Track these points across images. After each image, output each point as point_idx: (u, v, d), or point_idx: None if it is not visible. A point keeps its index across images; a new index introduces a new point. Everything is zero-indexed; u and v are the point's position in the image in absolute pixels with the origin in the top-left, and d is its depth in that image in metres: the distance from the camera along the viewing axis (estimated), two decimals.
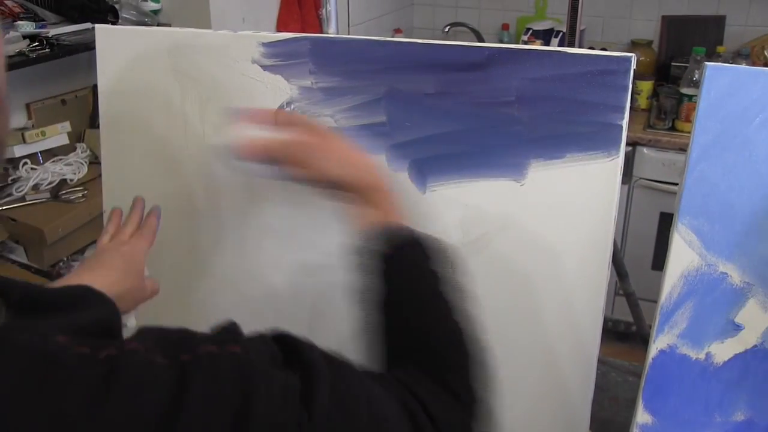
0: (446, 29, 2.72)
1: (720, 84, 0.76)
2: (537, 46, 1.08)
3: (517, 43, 2.75)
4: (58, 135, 1.69)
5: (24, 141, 1.62)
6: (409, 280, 0.65)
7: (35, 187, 1.61)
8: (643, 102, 2.47)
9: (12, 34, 1.55)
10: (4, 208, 1.55)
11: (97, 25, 0.99)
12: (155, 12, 1.94)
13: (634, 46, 2.65)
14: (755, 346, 0.81)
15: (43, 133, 1.65)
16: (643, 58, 2.57)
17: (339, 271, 0.95)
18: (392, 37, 2.66)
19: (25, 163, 1.63)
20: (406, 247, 0.67)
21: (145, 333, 0.47)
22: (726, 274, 0.80)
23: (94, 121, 1.83)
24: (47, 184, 1.63)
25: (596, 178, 0.81)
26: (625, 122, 0.79)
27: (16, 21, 1.62)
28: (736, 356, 0.82)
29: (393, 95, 0.87)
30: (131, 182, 0.98)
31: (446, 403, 0.56)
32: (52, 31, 1.61)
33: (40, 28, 1.63)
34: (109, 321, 0.60)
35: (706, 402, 0.84)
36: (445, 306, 0.64)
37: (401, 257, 0.66)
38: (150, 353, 0.43)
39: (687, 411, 0.84)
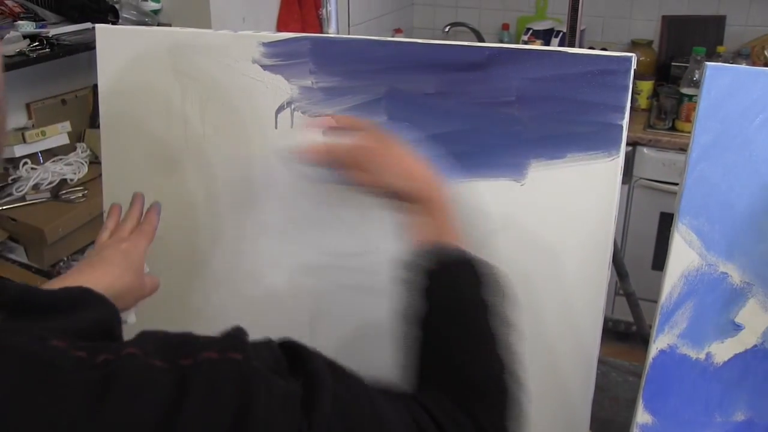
0: (446, 29, 2.72)
1: (720, 84, 0.76)
2: (537, 46, 1.08)
3: (518, 43, 2.75)
4: (58, 135, 1.69)
5: (24, 141, 1.62)
6: (452, 302, 0.63)
7: (35, 187, 1.61)
8: (643, 102, 2.47)
9: (12, 33, 1.55)
10: (4, 207, 1.55)
11: (97, 25, 0.99)
12: (155, 12, 1.94)
13: (634, 46, 2.65)
14: (755, 346, 0.81)
15: (44, 133, 1.65)
16: (643, 58, 2.57)
17: (340, 271, 0.95)
18: (392, 37, 2.66)
19: (26, 163, 1.63)
20: (452, 267, 0.65)
21: (145, 337, 0.47)
22: (726, 274, 0.80)
23: (94, 121, 1.83)
24: (47, 184, 1.63)
25: (596, 178, 0.81)
26: (625, 122, 0.79)
27: (16, 21, 1.62)
28: (737, 356, 0.82)
29: (393, 95, 0.87)
30: (131, 182, 0.98)
31: None
32: (53, 31, 1.61)
33: (41, 27, 1.63)
34: (109, 323, 0.60)
35: (707, 402, 0.84)
36: (489, 336, 0.62)
37: (446, 276, 0.64)
38: (149, 357, 0.43)
39: (687, 411, 0.84)
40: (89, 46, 1.61)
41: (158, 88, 0.96)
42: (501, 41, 2.82)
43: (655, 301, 0.82)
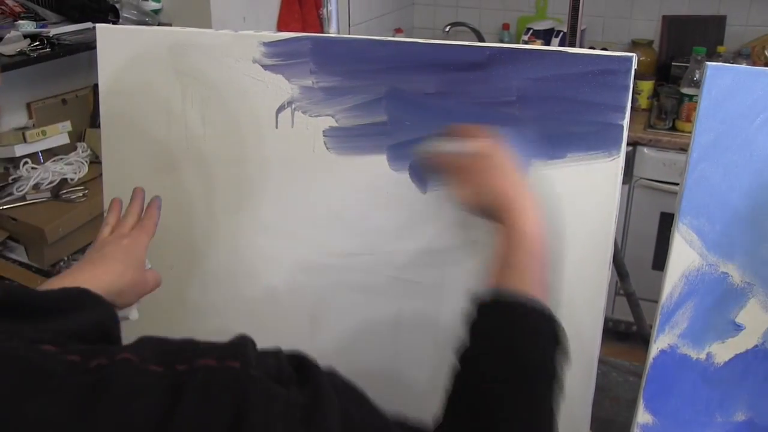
0: (447, 29, 2.72)
1: (721, 84, 0.76)
2: (538, 46, 1.08)
3: (518, 42, 2.75)
4: (58, 134, 1.69)
5: (25, 140, 1.62)
6: (493, 342, 0.60)
7: (36, 187, 1.61)
8: (643, 102, 2.47)
9: (13, 33, 1.55)
10: (4, 207, 1.55)
11: (98, 25, 0.99)
12: (156, 11, 1.94)
13: (634, 45, 2.65)
14: (756, 346, 0.81)
15: (44, 133, 1.65)
16: (643, 58, 2.58)
17: (340, 271, 0.95)
18: (393, 36, 2.66)
19: (26, 163, 1.63)
20: (506, 308, 0.61)
21: (143, 342, 0.46)
22: (727, 274, 0.80)
23: (94, 121, 1.83)
24: (48, 184, 1.63)
25: (597, 177, 0.81)
26: (626, 122, 0.79)
27: (16, 20, 1.62)
28: (737, 356, 0.82)
29: (394, 95, 0.87)
30: (132, 181, 0.97)
31: None
32: (53, 31, 1.61)
33: (41, 27, 1.63)
34: (106, 324, 0.60)
35: (707, 402, 0.84)
36: (533, 390, 0.58)
37: (495, 314, 0.61)
38: (144, 363, 0.43)
39: (687, 411, 0.84)
40: (90, 46, 1.61)
41: (159, 87, 0.97)
42: (501, 41, 2.82)
43: (656, 301, 0.82)
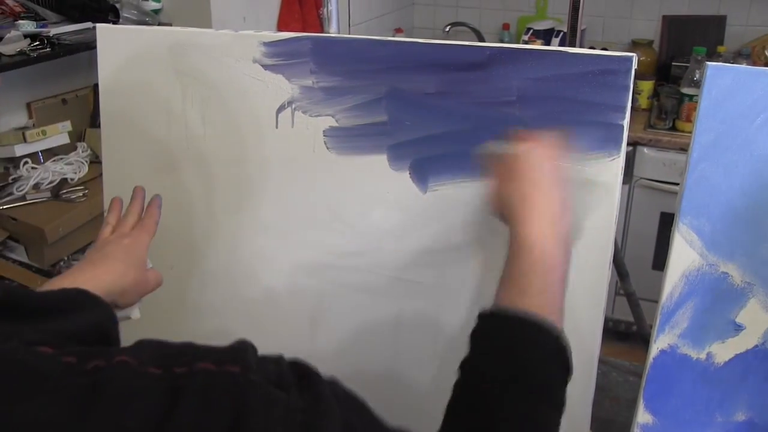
0: (447, 29, 2.72)
1: (721, 84, 0.76)
2: (538, 46, 1.08)
3: (518, 42, 2.75)
4: (58, 134, 1.69)
5: (25, 140, 1.62)
6: (491, 351, 0.59)
7: (36, 187, 1.61)
8: (643, 102, 2.47)
9: (13, 33, 1.55)
10: (4, 207, 1.55)
11: (98, 25, 0.99)
12: (156, 11, 1.94)
13: (634, 45, 2.65)
14: (756, 346, 0.81)
15: (44, 133, 1.65)
16: (643, 58, 2.57)
17: (340, 271, 0.95)
18: (393, 36, 2.66)
19: (26, 163, 1.63)
20: (506, 318, 0.60)
21: (142, 345, 0.46)
22: (727, 274, 0.80)
23: (94, 121, 1.83)
24: (48, 184, 1.63)
25: (597, 177, 0.81)
26: (626, 122, 0.79)
27: (17, 20, 1.62)
28: (737, 356, 0.82)
29: (394, 95, 0.87)
30: (132, 181, 0.97)
31: None
32: (53, 31, 1.61)
33: (41, 27, 1.63)
34: (104, 325, 0.59)
35: (707, 402, 0.84)
36: (529, 397, 0.57)
37: (496, 323, 0.61)
38: (142, 365, 0.42)
39: (688, 411, 0.84)
40: (90, 46, 1.61)
41: (159, 87, 0.97)
42: (501, 41, 2.82)
43: (656, 301, 0.82)
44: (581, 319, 0.85)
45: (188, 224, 1.00)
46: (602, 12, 2.75)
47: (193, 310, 1.03)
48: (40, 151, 1.67)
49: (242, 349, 0.46)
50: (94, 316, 0.59)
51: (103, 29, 0.99)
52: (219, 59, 0.93)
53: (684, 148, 2.16)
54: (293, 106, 0.91)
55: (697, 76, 2.26)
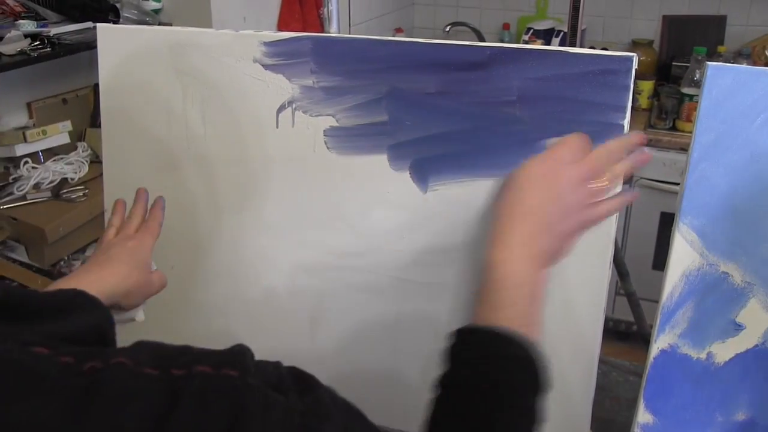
0: (447, 29, 2.72)
1: (721, 84, 0.76)
2: (538, 46, 1.08)
3: (518, 42, 2.75)
4: (59, 134, 1.69)
5: (25, 140, 1.62)
6: (469, 366, 0.59)
7: (36, 186, 1.61)
8: (644, 102, 2.47)
9: (13, 33, 1.55)
10: (5, 207, 1.55)
11: (98, 24, 0.99)
12: (156, 11, 1.94)
13: (635, 45, 2.65)
14: (756, 345, 0.81)
15: (44, 132, 1.65)
16: (644, 58, 2.58)
17: (340, 271, 0.95)
18: (393, 36, 2.66)
19: (26, 162, 1.63)
20: (481, 333, 0.60)
21: (140, 346, 0.46)
22: (727, 273, 0.80)
23: (95, 120, 1.83)
24: (48, 183, 1.63)
25: None
26: (626, 122, 0.79)
27: (17, 20, 1.62)
28: (738, 356, 0.82)
29: (394, 94, 0.87)
30: (132, 181, 0.98)
31: None
32: (54, 30, 1.61)
33: (42, 27, 1.63)
34: (102, 327, 0.59)
35: (708, 402, 0.84)
36: (504, 408, 0.57)
37: (471, 337, 0.61)
38: (139, 366, 0.42)
39: (688, 411, 0.84)
40: (90, 46, 1.61)
41: (159, 87, 0.97)
42: (502, 41, 2.82)
43: (656, 301, 0.82)
44: (581, 319, 0.85)
45: (189, 224, 1.00)
46: (602, 12, 2.75)
47: (194, 309, 1.03)
48: (41, 151, 1.67)
49: (240, 353, 0.46)
50: (92, 317, 0.59)
51: (103, 29, 0.99)
52: (219, 59, 0.93)
53: (684, 148, 2.17)
54: (294, 105, 0.91)
55: (698, 76, 2.27)
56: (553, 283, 0.86)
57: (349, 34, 2.19)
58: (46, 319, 0.52)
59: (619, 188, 0.75)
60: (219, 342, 0.48)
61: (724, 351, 0.82)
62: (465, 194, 0.86)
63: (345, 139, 0.90)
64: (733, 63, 1.70)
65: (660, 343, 0.83)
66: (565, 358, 0.87)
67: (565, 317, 0.86)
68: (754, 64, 2.41)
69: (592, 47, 2.19)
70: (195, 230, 1.00)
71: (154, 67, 0.96)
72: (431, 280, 0.90)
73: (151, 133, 0.99)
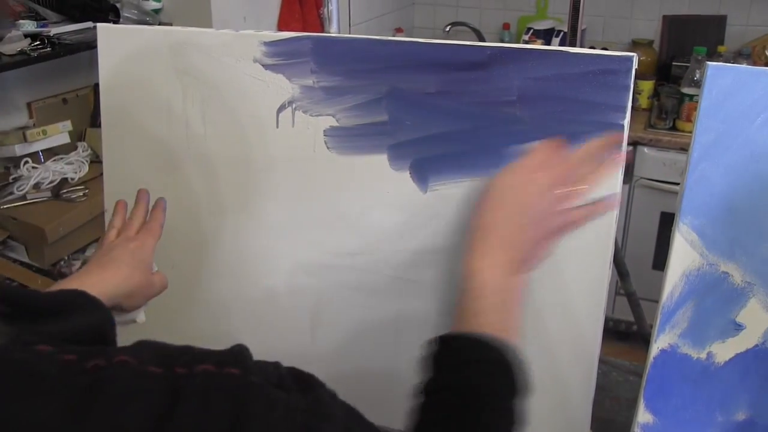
0: (447, 29, 2.72)
1: (721, 84, 0.76)
2: (538, 46, 1.08)
3: (518, 42, 2.75)
4: (59, 134, 1.69)
5: (25, 140, 1.62)
6: (452, 372, 0.61)
7: (36, 186, 1.61)
8: (644, 102, 2.47)
9: (13, 32, 1.55)
10: (5, 206, 1.55)
11: (98, 24, 0.99)
12: (156, 11, 1.94)
13: (635, 45, 2.65)
14: (756, 345, 0.81)
15: (45, 132, 1.65)
16: (644, 58, 2.58)
17: (340, 271, 0.95)
18: (393, 36, 2.66)
19: (26, 162, 1.63)
20: (464, 340, 0.62)
21: (142, 345, 0.46)
22: (727, 273, 0.80)
23: (95, 120, 1.83)
24: (48, 183, 1.63)
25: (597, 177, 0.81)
26: (626, 122, 0.79)
27: (17, 20, 1.62)
28: (738, 356, 0.82)
29: (394, 94, 0.87)
30: (132, 181, 0.98)
31: None
32: (54, 30, 1.61)
33: (42, 27, 1.63)
34: (103, 327, 0.60)
35: (708, 401, 0.84)
36: (483, 411, 0.59)
37: (454, 344, 0.63)
38: (142, 365, 0.42)
39: (688, 410, 0.84)
40: (90, 45, 1.61)
41: (159, 87, 0.97)
42: (502, 41, 2.83)
43: (656, 301, 0.82)
44: (582, 319, 0.85)
45: (189, 223, 1.00)
46: (602, 12, 2.75)
47: (194, 309, 1.03)
48: (41, 151, 1.67)
49: (241, 353, 0.47)
50: (93, 318, 0.59)
51: (103, 29, 0.99)
52: (219, 59, 0.93)
53: (684, 148, 2.17)
54: (294, 105, 0.91)
55: (698, 75, 2.27)
56: (553, 283, 0.86)
57: (349, 34, 2.19)
58: (48, 319, 0.52)
59: (606, 191, 0.77)
60: (219, 342, 0.48)
61: (724, 351, 0.82)
62: (465, 194, 0.86)
63: (345, 139, 0.90)
64: (733, 63, 1.70)
65: (660, 343, 0.83)
66: (565, 358, 0.87)
67: (565, 317, 0.86)
68: (754, 64, 2.42)
69: (592, 47, 2.19)
70: (195, 229, 1.00)
71: (155, 66, 0.96)
72: (431, 280, 0.90)
73: (151, 133, 0.99)
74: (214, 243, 1.00)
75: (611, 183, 0.78)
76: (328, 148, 0.91)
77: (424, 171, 0.88)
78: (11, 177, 1.62)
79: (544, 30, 2.69)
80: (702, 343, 0.82)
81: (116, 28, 1.01)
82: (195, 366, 0.43)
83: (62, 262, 1.58)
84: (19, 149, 1.62)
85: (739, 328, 0.81)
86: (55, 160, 1.68)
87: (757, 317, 0.80)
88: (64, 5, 1.69)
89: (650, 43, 2.64)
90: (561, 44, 2.49)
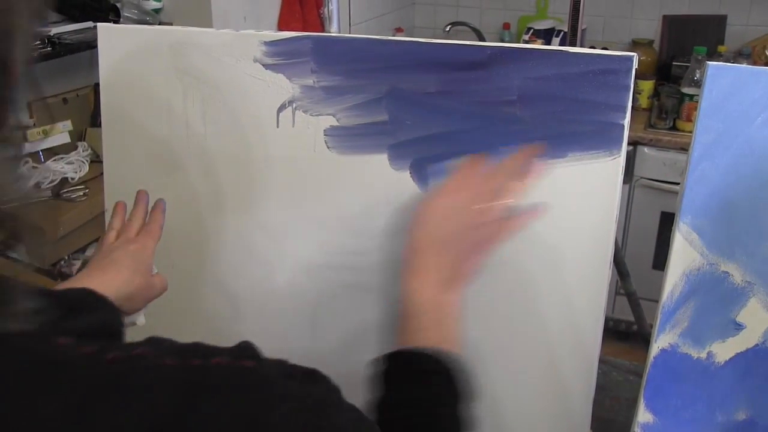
0: (447, 28, 2.72)
1: (722, 83, 0.76)
2: (538, 46, 1.09)
3: (519, 42, 2.75)
4: (59, 134, 1.69)
5: (25, 140, 1.62)
6: (402, 385, 0.64)
7: (36, 186, 1.61)
8: (644, 101, 2.47)
9: None
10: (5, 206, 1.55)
11: (99, 24, 0.99)
12: (157, 11, 1.94)
13: (635, 45, 2.65)
14: (756, 345, 0.81)
15: (45, 132, 1.65)
16: (644, 58, 2.58)
17: (341, 271, 0.95)
18: (393, 36, 2.66)
19: (27, 162, 1.63)
20: (408, 353, 0.65)
21: (155, 340, 0.46)
22: (727, 273, 0.80)
23: (95, 120, 1.83)
24: (48, 183, 1.63)
25: (598, 177, 0.81)
26: (626, 121, 0.79)
27: None
28: (738, 355, 0.82)
29: (394, 94, 0.87)
30: (133, 180, 0.98)
31: None
32: (54, 30, 1.61)
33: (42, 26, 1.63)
34: (112, 325, 0.60)
35: (708, 401, 0.84)
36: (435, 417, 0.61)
37: (401, 359, 0.65)
38: (160, 357, 0.42)
39: (688, 410, 0.84)
40: (91, 45, 1.61)
41: (159, 86, 0.97)
42: (502, 40, 2.82)
43: (656, 301, 0.82)
44: (582, 319, 0.85)
45: (189, 223, 1.00)
46: (603, 12, 2.75)
47: (194, 308, 1.03)
48: (41, 151, 1.67)
49: (251, 347, 0.47)
50: (102, 316, 0.60)
51: (103, 28, 0.99)
52: (220, 58, 0.93)
53: (684, 148, 2.17)
54: (294, 105, 0.91)
55: (698, 75, 2.27)
56: (553, 283, 0.86)
57: (350, 33, 2.19)
58: (58, 317, 0.52)
59: (530, 201, 0.80)
60: (220, 341, 0.48)
61: (724, 350, 0.82)
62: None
63: (345, 138, 0.90)
64: (733, 63, 1.70)
65: (660, 342, 0.83)
66: (565, 357, 0.87)
67: (565, 317, 0.86)
68: (754, 63, 2.42)
69: (592, 47, 2.18)
70: (195, 229, 1.00)
71: (155, 66, 0.96)
72: None
73: (152, 133, 0.99)
74: (213, 242, 1.00)
75: (534, 193, 0.81)
76: (328, 147, 0.91)
77: (424, 170, 0.88)
78: None
79: (545, 30, 2.69)
80: (702, 343, 0.82)
81: (116, 28, 1.01)
82: (210, 358, 0.43)
83: (62, 262, 1.58)
84: None
85: (739, 327, 0.81)
86: (55, 160, 1.68)
87: (757, 317, 0.80)
88: (65, 5, 1.69)
89: (650, 42, 2.64)
90: (561, 44, 2.49)
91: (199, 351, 0.45)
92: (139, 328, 0.79)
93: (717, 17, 2.59)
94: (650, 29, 2.71)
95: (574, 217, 0.83)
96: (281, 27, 2.19)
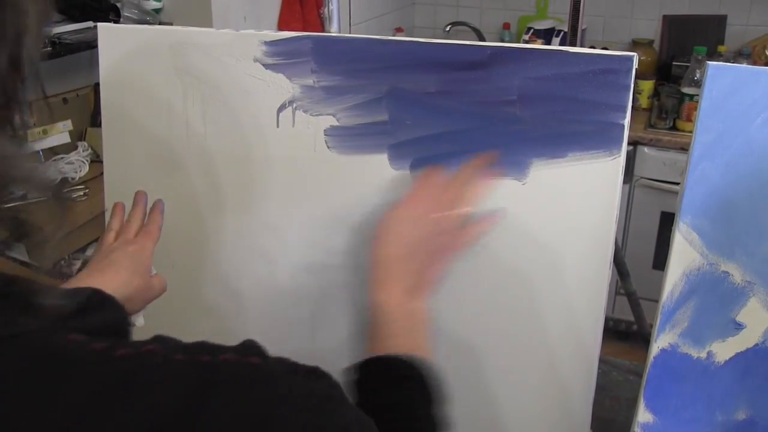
0: (447, 28, 2.72)
1: (722, 83, 0.76)
2: (538, 46, 1.09)
3: (519, 42, 2.75)
4: (59, 134, 1.69)
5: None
6: (374, 394, 0.65)
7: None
8: (644, 101, 2.47)
9: None
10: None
11: (99, 24, 0.99)
12: (157, 11, 1.94)
13: (635, 45, 2.65)
14: (757, 344, 0.81)
15: (45, 132, 1.65)
16: (644, 58, 2.58)
17: (340, 271, 0.95)
18: (393, 36, 2.66)
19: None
20: (378, 361, 0.66)
21: (161, 339, 0.47)
22: (727, 273, 0.80)
23: (95, 120, 1.83)
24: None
25: (598, 177, 0.81)
26: (626, 121, 0.79)
27: None
28: (738, 355, 0.82)
29: (394, 94, 0.87)
30: (133, 180, 0.98)
31: None
32: (54, 30, 1.61)
33: None
34: (118, 324, 0.60)
35: (708, 401, 0.84)
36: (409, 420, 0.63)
37: (372, 367, 0.67)
38: (169, 354, 0.43)
39: (688, 410, 0.84)
40: (91, 45, 1.61)
41: (160, 86, 0.97)
42: (502, 40, 2.83)
43: (656, 301, 0.83)
44: (582, 319, 0.85)
45: (189, 222, 1.00)
46: (603, 12, 2.75)
47: (193, 308, 1.03)
48: (41, 151, 1.67)
49: (256, 345, 0.48)
50: (110, 314, 0.60)
51: (104, 28, 0.99)
52: (220, 58, 0.93)
53: (684, 148, 2.17)
54: (294, 105, 0.91)
55: (698, 75, 2.27)
56: (553, 283, 0.86)
57: (350, 33, 2.19)
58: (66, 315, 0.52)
59: (487, 209, 0.82)
60: (220, 340, 0.48)
61: (724, 350, 0.82)
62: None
63: (345, 138, 0.90)
64: (733, 63, 1.70)
65: (660, 342, 0.83)
66: (565, 357, 0.87)
67: (565, 317, 0.86)
68: (755, 63, 2.42)
69: (592, 47, 2.19)
70: (195, 229, 1.00)
71: (155, 66, 0.96)
72: None
73: (152, 133, 0.99)
74: (213, 242, 1.00)
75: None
76: (328, 147, 0.91)
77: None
78: None
79: (545, 30, 2.69)
80: (702, 343, 0.83)
81: (117, 28, 1.01)
82: (218, 355, 0.44)
83: (62, 262, 1.58)
84: None
85: (739, 327, 0.81)
86: (55, 160, 1.68)
87: (757, 316, 0.80)
88: (65, 5, 1.69)
89: (650, 42, 2.64)
90: (561, 44, 2.49)
91: (206, 348, 0.45)
92: (138, 329, 0.79)
93: (717, 17, 2.59)
94: (650, 29, 2.71)
95: (574, 217, 0.83)
96: (281, 27, 2.19)
